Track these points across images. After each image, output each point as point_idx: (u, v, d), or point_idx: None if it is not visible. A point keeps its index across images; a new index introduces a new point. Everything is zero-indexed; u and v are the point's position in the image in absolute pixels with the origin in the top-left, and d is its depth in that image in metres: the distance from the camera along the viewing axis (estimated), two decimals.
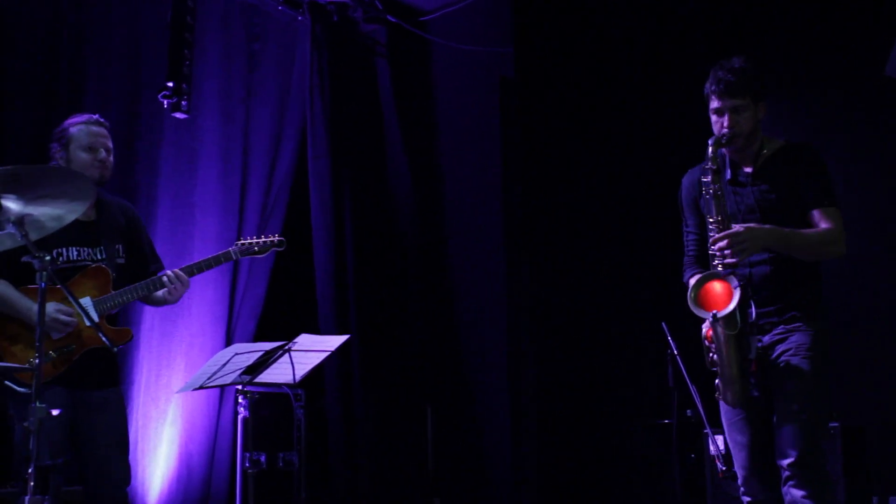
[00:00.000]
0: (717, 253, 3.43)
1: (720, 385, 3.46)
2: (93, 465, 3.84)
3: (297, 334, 6.33)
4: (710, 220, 3.51)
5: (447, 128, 6.92)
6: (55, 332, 3.77)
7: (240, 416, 5.86)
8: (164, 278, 4.00)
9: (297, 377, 3.72)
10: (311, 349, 3.82)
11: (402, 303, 6.82)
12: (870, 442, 4.95)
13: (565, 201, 6.35)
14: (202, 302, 5.94)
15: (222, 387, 3.85)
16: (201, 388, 3.75)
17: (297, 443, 6.10)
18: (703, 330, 3.49)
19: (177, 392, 3.91)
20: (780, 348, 3.48)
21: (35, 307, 3.52)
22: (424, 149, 6.95)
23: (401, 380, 6.70)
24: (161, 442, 5.60)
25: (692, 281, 3.51)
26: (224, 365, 3.60)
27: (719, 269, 3.42)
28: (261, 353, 3.75)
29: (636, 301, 6.38)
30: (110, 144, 4.12)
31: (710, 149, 3.50)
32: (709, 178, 3.49)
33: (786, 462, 3.36)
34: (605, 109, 6.44)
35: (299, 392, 6.18)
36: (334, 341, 3.93)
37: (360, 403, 6.50)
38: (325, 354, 3.87)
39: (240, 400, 5.82)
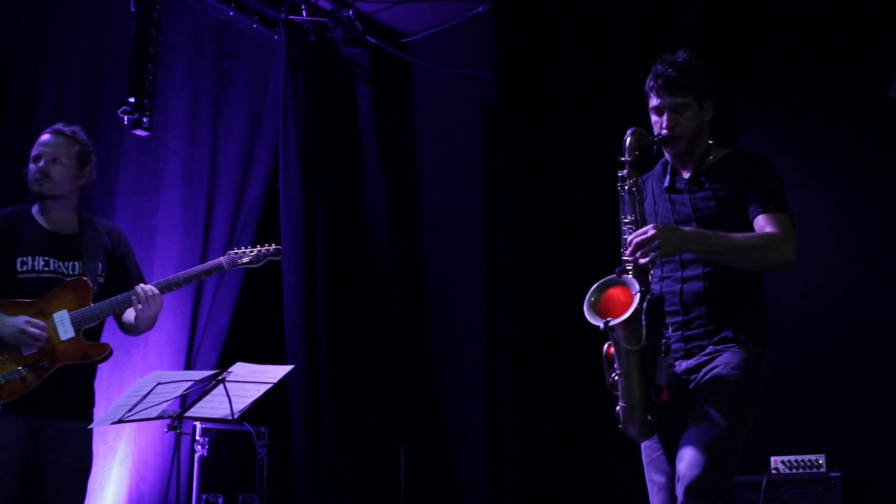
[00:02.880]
0: (630, 258, 2.99)
1: (621, 413, 3.01)
2: None
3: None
4: (625, 220, 3.09)
5: (428, 153, 6.63)
6: (26, 348, 3.54)
7: (197, 455, 5.54)
8: (134, 293, 3.68)
9: (236, 412, 3.35)
10: (250, 380, 3.45)
11: (377, 336, 6.47)
12: (875, 494, 4.55)
13: (549, 231, 6.01)
14: (160, 330, 5.56)
15: (146, 420, 3.46)
16: (120, 421, 3.37)
17: (258, 484, 5.74)
18: (605, 347, 3.06)
19: (89, 426, 3.53)
20: (706, 368, 3.06)
21: (8, 320, 3.52)
22: (404, 175, 6.64)
23: (373, 417, 6.32)
24: (109, 481, 5.20)
25: (594, 286, 3.06)
26: (146, 396, 3.23)
27: (629, 275, 2.99)
28: (190, 384, 3.37)
29: None
30: (62, 155, 3.80)
31: (628, 139, 3.08)
32: (624, 173, 3.09)
33: (679, 488, 2.91)
34: (590, 134, 6.14)
35: (262, 430, 5.82)
36: (276, 372, 3.55)
37: (329, 443, 6.11)
38: (267, 387, 3.50)
39: (197, 437, 5.53)
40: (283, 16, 6.27)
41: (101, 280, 3.78)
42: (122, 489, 5.27)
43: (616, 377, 3.00)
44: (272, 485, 5.82)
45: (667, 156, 3.27)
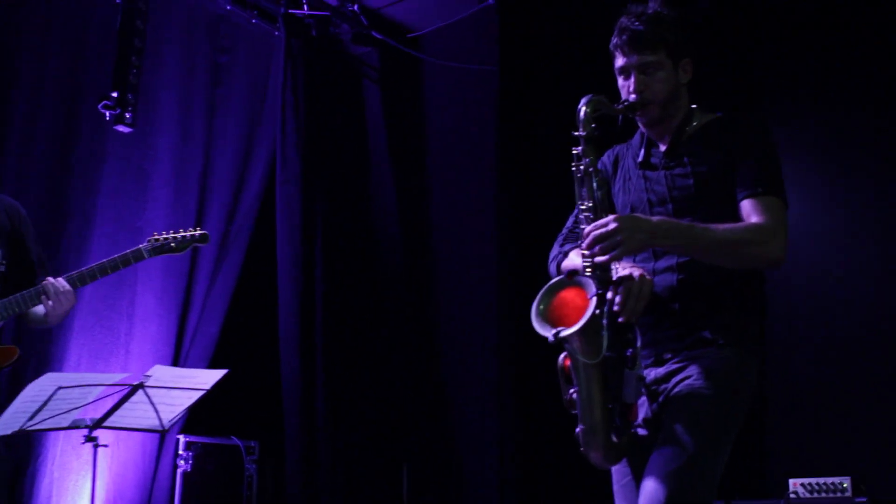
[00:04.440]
0: (587, 254, 2.47)
1: (580, 436, 2.53)
2: None
3: (255, 381, 5.71)
4: (582, 207, 2.57)
5: (439, 153, 6.27)
6: None
7: (179, 470, 5.20)
8: (42, 289, 3.32)
9: (166, 422, 2.99)
10: (175, 386, 3.08)
11: (380, 347, 6.10)
12: None
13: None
14: (144, 338, 5.27)
15: (53, 430, 3.11)
16: (21, 431, 3.01)
17: (246, 502, 5.38)
18: (560, 359, 2.55)
19: None
20: (676, 378, 2.55)
21: None
22: (414, 177, 6.28)
23: (374, 434, 5.95)
24: (82, 498, 4.87)
25: (543, 290, 2.54)
26: (46, 402, 2.87)
27: (587, 273, 2.48)
28: (99, 389, 3.01)
29: None
30: None
31: (582, 109, 2.57)
32: (578, 150, 2.57)
33: None
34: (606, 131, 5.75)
35: (252, 444, 5.48)
36: (206, 377, 3.18)
37: (326, 460, 5.73)
38: (199, 393, 3.13)
39: (180, 451, 5.20)
40: (282, 10, 5.97)
41: (2, 269, 3.41)
42: None
43: (573, 395, 2.53)
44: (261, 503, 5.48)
45: (642, 128, 2.79)
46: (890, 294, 4.71)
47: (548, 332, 2.44)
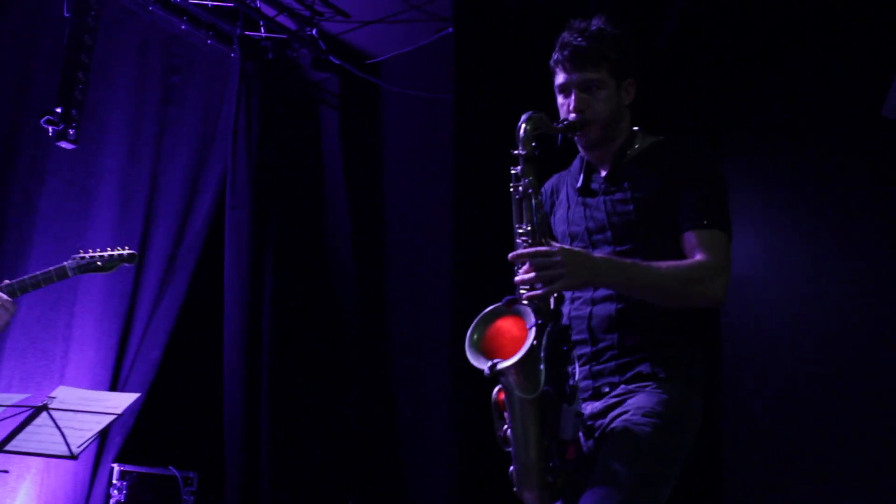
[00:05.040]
0: (525, 281, 2.36)
1: (514, 475, 2.40)
2: None
3: (197, 409, 5.54)
4: (519, 230, 2.46)
5: (395, 180, 6.17)
6: None
7: (112, 501, 5.01)
8: None
9: (75, 448, 2.83)
10: (83, 409, 2.93)
11: (329, 380, 5.95)
12: None
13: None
14: (80, 363, 5.09)
15: None
16: None
17: None
18: (494, 393, 2.42)
19: None
20: (613, 413, 2.42)
21: None
22: (369, 204, 6.18)
23: (320, 468, 5.78)
24: None
25: (477, 318, 2.41)
26: None
27: (523, 301, 2.35)
28: None
29: None
30: None
31: (522, 126, 2.47)
32: (517, 170, 2.48)
33: None
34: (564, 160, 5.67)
35: (191, 475, 5.29)
36: (117, 400, 3.03)
37: (268, 493, 5.56)
38: (109, 418, 2.98)
39: (114, 481, 5.02)
40: (238, 31, 5.87)
41: None
42: None
43: (507, 431, 2.40)
44: None
45: (580, 150, 2.69)
46: (848, 331, 4.62)
47: (483, 365, 2.31)
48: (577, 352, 2.52)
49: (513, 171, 2.50)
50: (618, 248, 2.52)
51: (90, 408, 2.91)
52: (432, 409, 5.70)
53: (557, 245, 2.39)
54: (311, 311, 5.99)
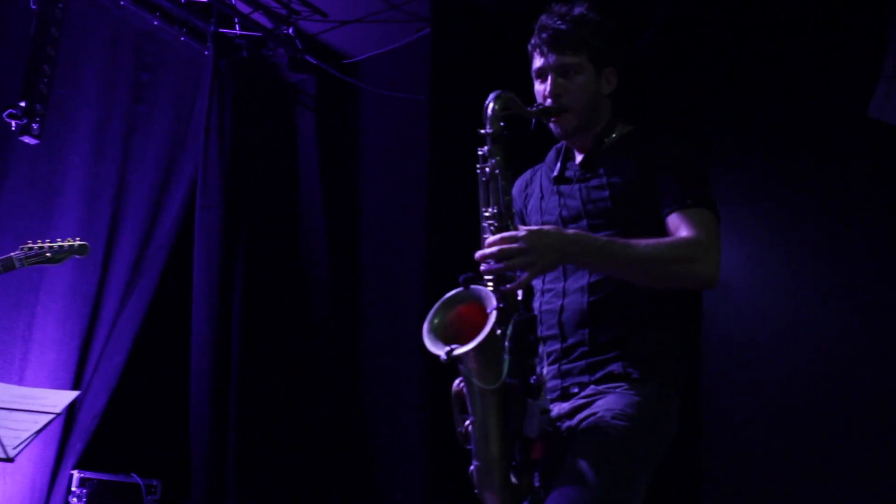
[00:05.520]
0: (490, 268, 2.20)
1: (475, 475, 2.25)
2: None
3: (161, 414, 5.37)
4: (485, 213, 2.31)
5: (371, 182, 6.05)
6: None
7: None
8: None
9: (10, 450, 2.65)
10: (17, 408, 2.75)
11: (300, 386, 5.79)
12: None
13: None
14: (41, 366, 4.91)
15: None
16: None
17: None
18: (455, 384, 2.29)
19: None
20: (581, 415, 2.28)
21: None
22: (345, 205, 6.04)
23: (289, 479, 5.61)
24: None
25: (439, 302, 2.26)
26: None
27: (489, 288, 2.21)
28: None
29: None
30: None
31: (490, 105, 2.34)
32: (484, 150, 2.34)
33: None
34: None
35: (154, 483, 5.12)
36: (55, 398, 2.86)
37: (234, 501, 5.39)
38: (47, 417, 2.80)
39: (73, 488, 4.85)
40: (212, 28, 5.73)
41: None
42: None
43: (469, 427, 2.26)
44: None
45: (555, 135, 2.56)
46: (831, 337, 4.52)
47: (440, 350, 2.16)
48: (546, 349, 2.39)
49: (480, 153, 2.36)
50: None
51: (26, 406, 2.74)
52: (405, 412, 5.56)
53: (524, 229, 2.23)
54: (283, 313, 5.84)
